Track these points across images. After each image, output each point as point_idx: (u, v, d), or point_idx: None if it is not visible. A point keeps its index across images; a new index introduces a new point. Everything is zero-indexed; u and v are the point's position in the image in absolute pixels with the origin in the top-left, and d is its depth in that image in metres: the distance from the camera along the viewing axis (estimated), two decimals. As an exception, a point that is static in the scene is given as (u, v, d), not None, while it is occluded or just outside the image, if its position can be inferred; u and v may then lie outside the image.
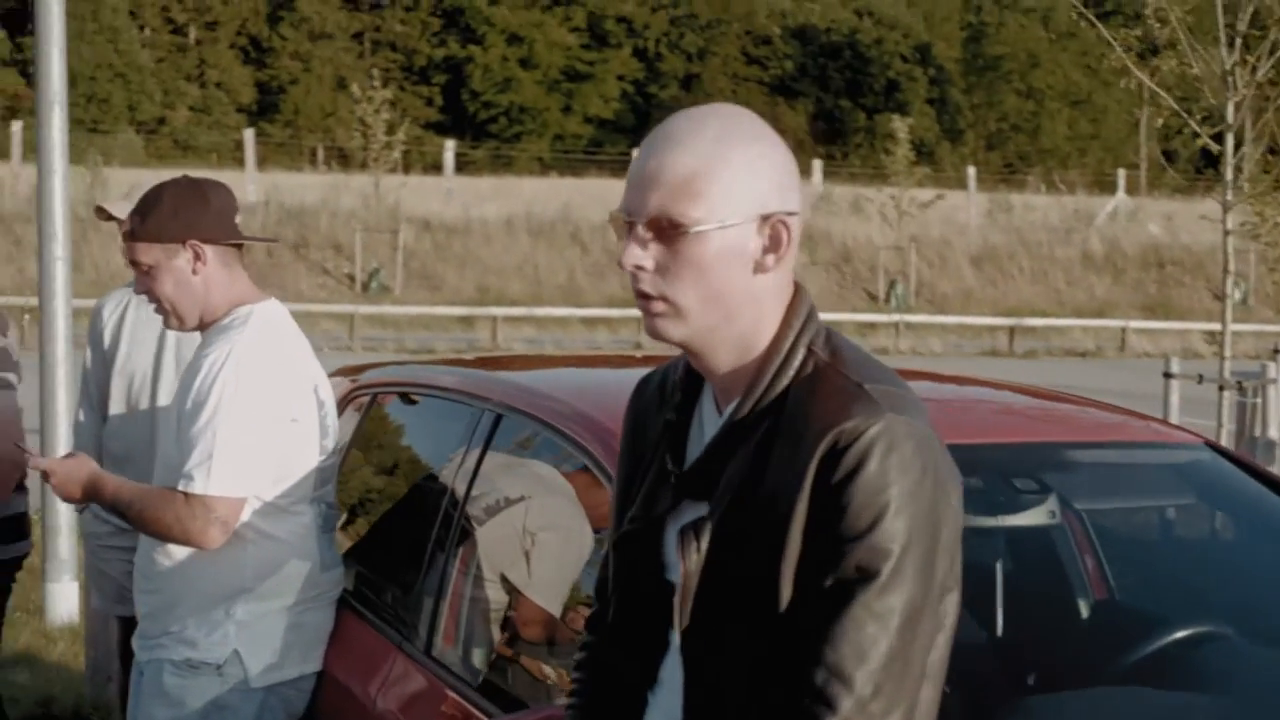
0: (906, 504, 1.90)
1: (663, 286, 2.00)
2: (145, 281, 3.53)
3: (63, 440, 7.79)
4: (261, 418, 3.38)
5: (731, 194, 2.00)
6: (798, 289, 2.07)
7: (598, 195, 36.02)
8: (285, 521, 3.47)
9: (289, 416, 3.44)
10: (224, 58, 78.56)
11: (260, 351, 3.43)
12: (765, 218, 2.02)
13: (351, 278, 29.87)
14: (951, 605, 1.99)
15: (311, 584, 3.51)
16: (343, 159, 44.26)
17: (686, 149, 2.00)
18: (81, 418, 4.68)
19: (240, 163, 35.04)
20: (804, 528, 1.92)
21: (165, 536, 3.37)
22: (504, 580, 3.39)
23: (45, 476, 3.48)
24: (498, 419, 3.46)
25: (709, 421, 2.09)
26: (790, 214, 2.03)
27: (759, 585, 1.94)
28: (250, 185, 33.29)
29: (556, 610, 3.29)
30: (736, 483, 1.99)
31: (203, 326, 3.55)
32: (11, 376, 4.49)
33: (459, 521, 3.43)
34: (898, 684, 1.90)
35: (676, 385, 2.14)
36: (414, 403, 4.07)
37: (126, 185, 4.23)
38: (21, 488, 4.59)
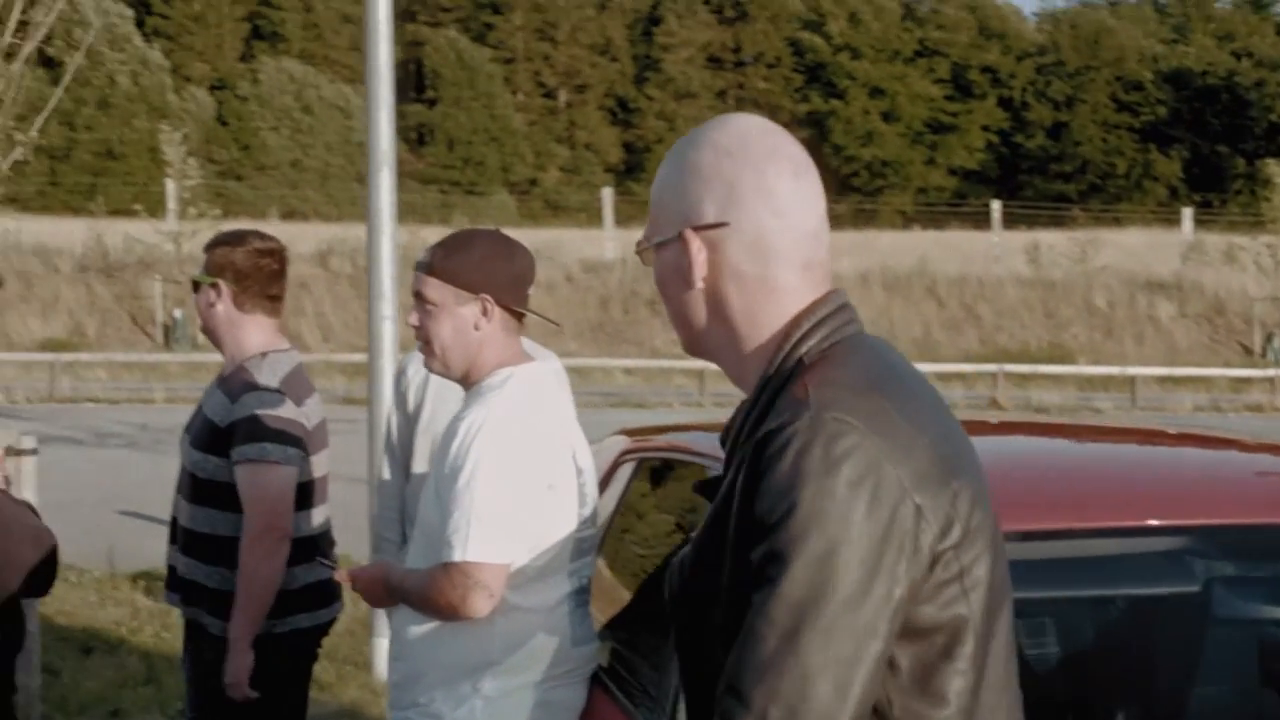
0: (816, 504, 1.77)
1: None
2: (423, 317, 3.44)
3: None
4: (518, 483, 3.26)
5: (662, 211, 2.01)
6: (826, 296, 1.99)
7: (956, 247, 35.42)
8: (537, 593, 3.33)
9: (546, 483, 3.32)
10: (592, 119, 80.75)
11: (517, 416, 3.33)
12: (695, 230, 1.98)
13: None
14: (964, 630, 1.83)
15: (562, 659, 3.37)
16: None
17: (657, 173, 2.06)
18: (386, 475, 4.65)
19: (603, 221, 35.76)
20: (735, 524, 1.85)
21: (440, 614, 3.27)
22: None
23: (352, 585, 3.45)
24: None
25: None
26: (715, 225, 1.97)
27: (708, 599, 1.89)
28: (608, 243, 33.93)
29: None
30: (714, 503, 1.93)
31: (466, 382, 3.46)
32: (287, 450, 4.31)
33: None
34: (800, 702, 1.75)
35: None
36: (671, 468, 3.92)
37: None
38: (295, 561, 4.46)
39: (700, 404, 23.93)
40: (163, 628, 8.59)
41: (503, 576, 3.24)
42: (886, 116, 76.19)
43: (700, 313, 2.01)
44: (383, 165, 7.71)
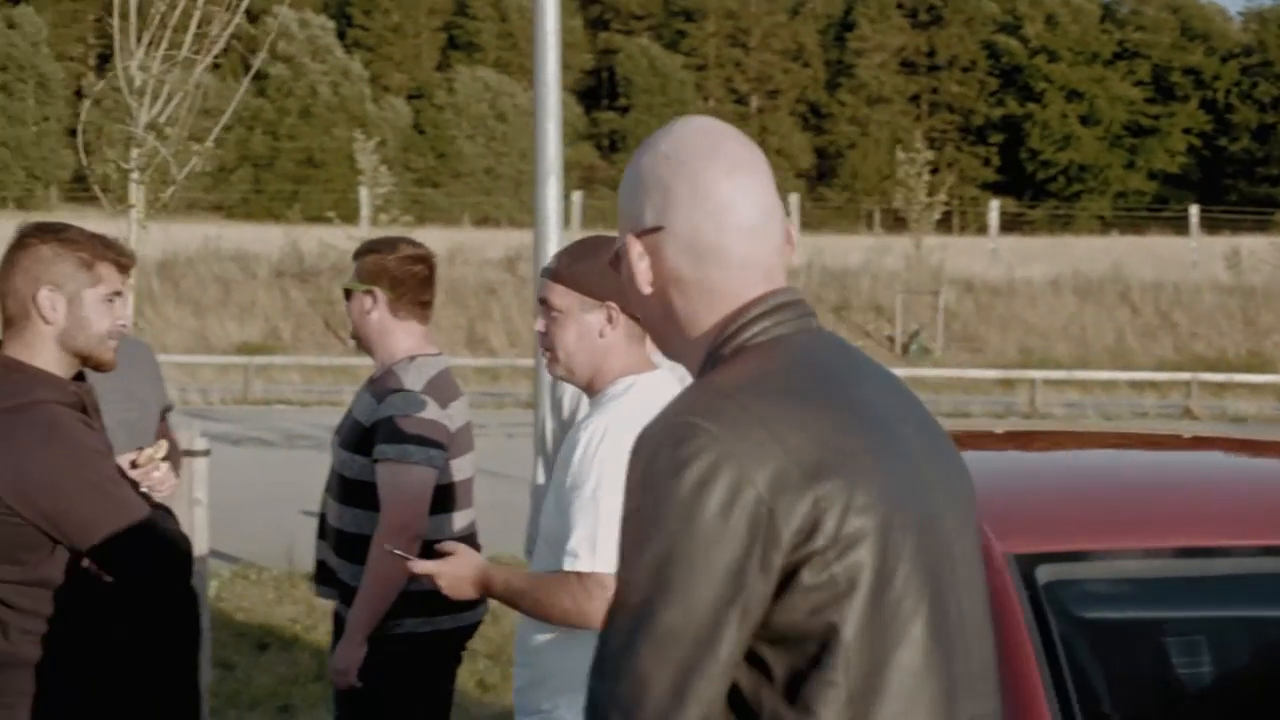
0: (658, 509, 1.78)
1: None
2: (548, 324, 3.45)
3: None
4: None
5: (619, 220, 2.03)
6: (761, 297, 1.97)
7: (1153, 253, 34.59)
8: None
9: None
10: (784, 124, 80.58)
11: (638, 424, 3.32)
12: (635, 236, 2.01)
13: (891, 339, 29.80)
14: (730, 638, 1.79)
15: None
16: (899, 222, 44.41)
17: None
18: (540, 480, 4.69)
19: (799, 227, 35.66)
20: None
21: (563, 621, 3.27)
22: None
23: (433, 580, 3.45)
24: None
25: None
26: (650, 231, 1.99)
27: None
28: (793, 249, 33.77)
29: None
30: None
31: (590, 390, 3.47)
32: (429, 452, 4.35)
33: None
34: (634, 706, 1.78)
35: None
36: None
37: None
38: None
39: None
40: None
41: None
42: (1085, 120, 74.72)
43: (651, 312, 2.04)
44: (550, 174, 7.78)
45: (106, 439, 3.40)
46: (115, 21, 6.47)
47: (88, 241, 3.39)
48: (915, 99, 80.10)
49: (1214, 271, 32.47)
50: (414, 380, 4.40)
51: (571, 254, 3.46)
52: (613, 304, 3.39)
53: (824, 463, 1.82)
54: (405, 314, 4.48)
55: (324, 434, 19.93)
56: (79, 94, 75.90)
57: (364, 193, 32.51)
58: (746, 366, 1.92)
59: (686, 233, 1.99)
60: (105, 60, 73.64)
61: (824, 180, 75.84)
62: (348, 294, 4.55)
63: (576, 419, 4.36)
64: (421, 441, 4.32)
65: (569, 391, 4.44)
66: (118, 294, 3.42)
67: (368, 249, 4.60)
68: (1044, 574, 2.70)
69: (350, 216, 33.07)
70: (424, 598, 4.33)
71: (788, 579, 1.80)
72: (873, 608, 1.82)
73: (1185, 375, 25.65)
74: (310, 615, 9.13)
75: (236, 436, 18.14)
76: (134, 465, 4.32)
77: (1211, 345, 29.90)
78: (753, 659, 1.84)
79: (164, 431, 5.17)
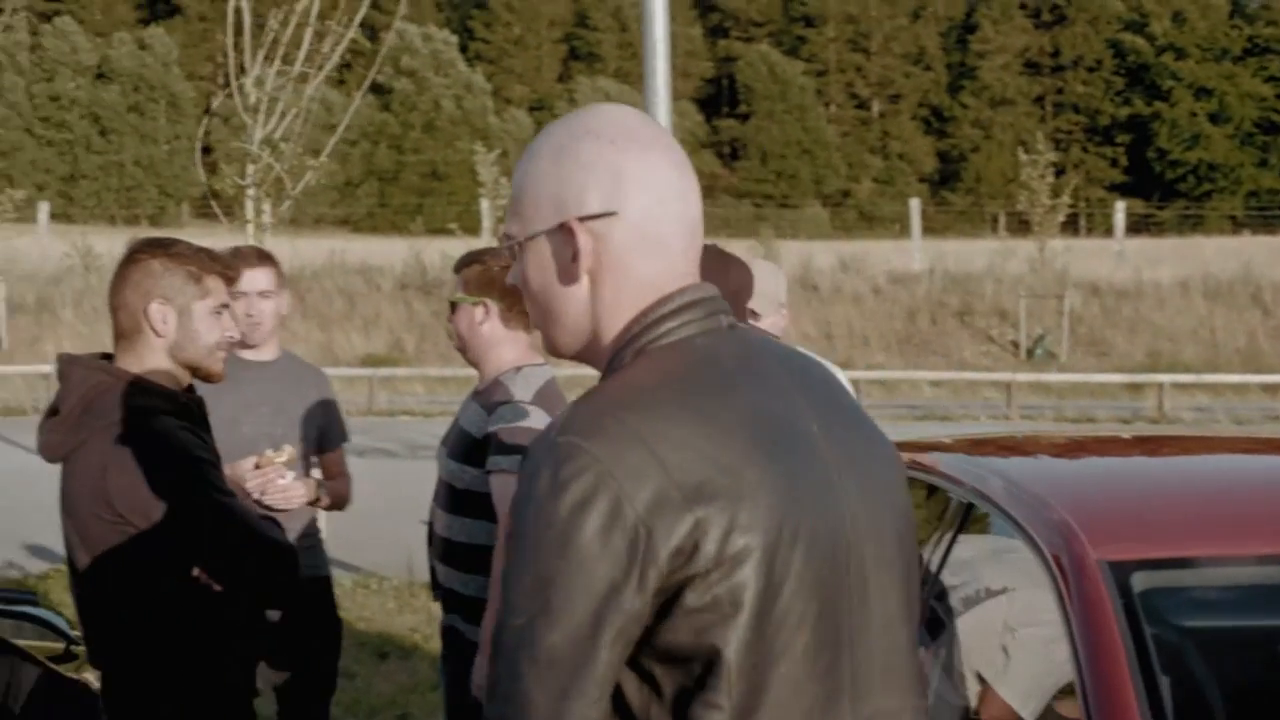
0: (537, 531, 1.77)
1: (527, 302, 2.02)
2: None
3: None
4: None
5: (536, 204, 1.95)
6: (679, 291, 1.95)
7: (1285, 253, 33.90)
8: None
9: None
10: (906, 129, 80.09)
11: None
12: (563, 224, 1.93)
13: (1016, 344, 29.46)
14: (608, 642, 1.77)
15: None
16: (1023, 225, 43.92)
17: (518, 167, 2.01)
18: None
19: (920, 231, 35.38)
20: None
21: None
22: (978, 676, 3.13)
23: None
24: (968, 508, 3.21)
25: None
26: (596, 216, 1.92)
27: None
28: (915, 254, 33.55)
29: (1028, 712, 3.00)
30: None
31: None
32: (512, 460, 4.40)
33: (929, 611, 3.21)
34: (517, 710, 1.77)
35: None
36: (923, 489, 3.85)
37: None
38: None
39: (1007, 416, 23.42)
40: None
41: None
42: (1214, 118, 73.41)
43: (573, 307, 1.97)
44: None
45: (215, 449, 3.47)
46: (230, 39, 6.60)
47: (195, 255, 3.46)
48: (1039, 100, 79.20)
49: (1347, 269, 31.73)
50: (523, 391, 4.41)
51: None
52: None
53: (706, 483, 1.80)
54: (514, 324, 4.48)
55: (446, 444, 20.12)
56: (208, 112, 77.36)
57: (485, 204, 32.80)
58: (638, 377, 1.89)
59: (638, 220, 1.94)
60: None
61: (947, 184, 75.21)
62: (453, 306, 4.56)
63: None
64: None
65: None
66: (225, 306, 3.49)
67: (471, 260, 4.57)
68: (1139, 581, 2.66)
69: (472, 228, 33.38)
70: None
71: (671, 600, 1.79)
72: (756, 627, 1.80)
73: (1320, 378, 25.12)
74: (429, 624, 9.22)
75: (361, 448, 18.34)
76: (256, 467, 4.42)
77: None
78: (644, 675, 1.83)
79: (334, 462, 5.26)
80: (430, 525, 4.69)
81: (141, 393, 3.35)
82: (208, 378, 3.52)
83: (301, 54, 6.79)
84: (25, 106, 66.69)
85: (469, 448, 4.41)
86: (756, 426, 1.87)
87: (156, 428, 3.30)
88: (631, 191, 1.94)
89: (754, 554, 1.80)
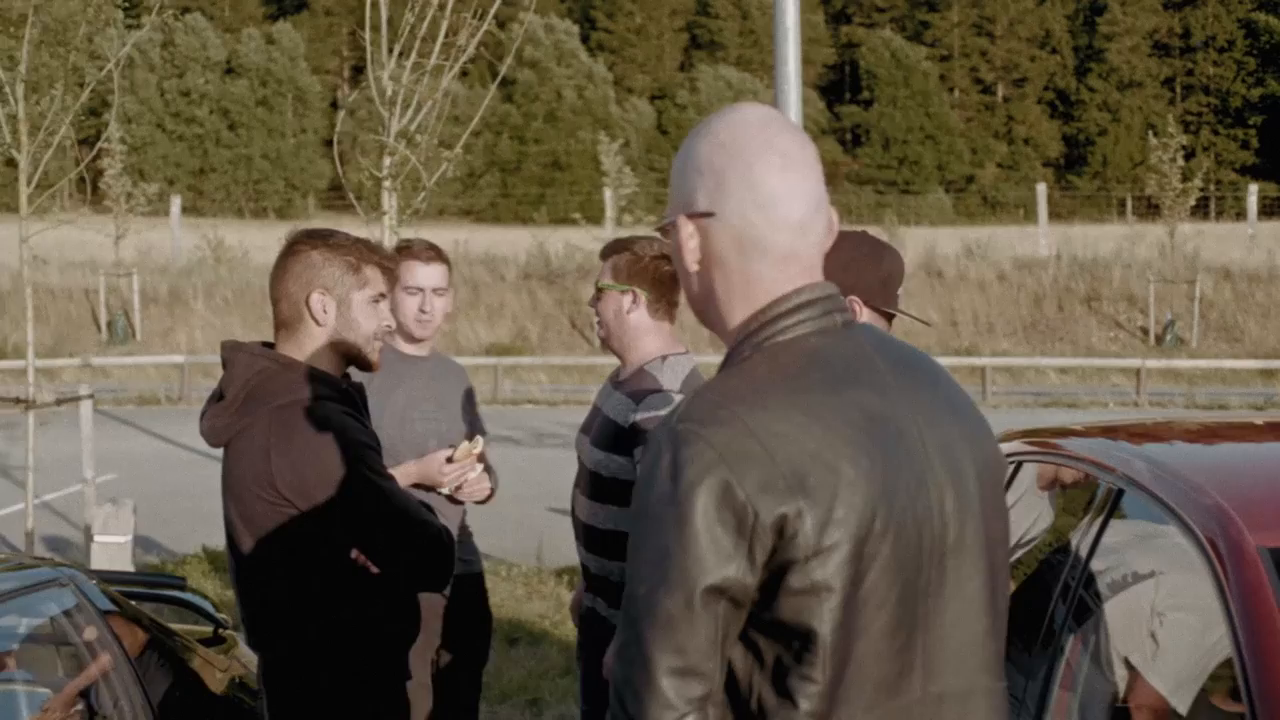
0: (657, 508, 1.94)
1: None
2: None
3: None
4: None
5: (671, 195, 2.12)
6: (796, 291, 2.10)
7: None
8: None
9: None
10: (1031, 113, 79.10)
11: None
12: (690, 217, 2.11)
13: (1145, 330, 29.02)
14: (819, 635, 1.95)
15: None
16: (1152, 209, 43.23)
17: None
18: None
19: (1046, 217, 34.96)
20: None
21: None
22: (1126, 662, 3.10)
23: None
24: (1118, 494, 3.19)
25: None
26: (700, 215, 2.08)
27: None
28: (1041, 239, 33.15)
29: (1179, 700, 2.97)
30: None
31: None
32: None
33: (1077, 597, 3.19)
34: (645, 689, 1.95)
35: None
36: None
37: None
38: None
39: (1136, 403, 23.11)
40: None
41: None
42: (1350, 98, 71.74)
43: (698, 292, 2.15)
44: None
45: (375, 434, 3.53)
46: (367, 34, 6.68)
47: (354, 246, 3.53)
48: (1169, 82, 77.83)
49: None
50: (670, 380, 4.39)
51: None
52: (855, 298, 3.39)
53: (807, 476, 1.96)
54: (661, 314, 4.46)
55: (570, 432, 20.23)
56: (334, 105, 78.33)
57: (608, 194, 32.89)
58: (753, 373, 2.04)
59: (736, 223, 2.08)
60: (359, 72, 75.64)
61: (1073, 168, 74.17)
62: (599, 292, 4.51)
63: None
64: None
65: None
66: (383, 296, 3.56)
67: (620, 247, 4.54)
68: (1299, 567, 2.64)
69: (595, 218, 33.50)
70: None
71: (775, 580, 1.96)
72: (846, 608, 1.97)
73: None
74: (558, 611, 9.29)
75: (488, 436, 18.52)
76: (450, 460, 4.48)
77: None
78: (749, 645, 2.00)
79: (483, 455, 5.31)
80: (573, 511, 4.75)
81: (304, 378, 3.42)
82: (365, 366, 3.59)
83: (436, 47, 6.86)
84: (156, 102, 68.01)
85: (615, 436, 4.39)
86: (858, 425, 2.02)
87: (319, 412, 3.37)
88: (730, 195, 2.08)
89: (845, 546, 1.96)
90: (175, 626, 4.84)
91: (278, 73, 70.69)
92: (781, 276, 2.10)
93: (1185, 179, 30.30)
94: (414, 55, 6.76)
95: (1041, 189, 34.67)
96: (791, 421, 1.98)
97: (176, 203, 36.82)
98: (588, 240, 30.79)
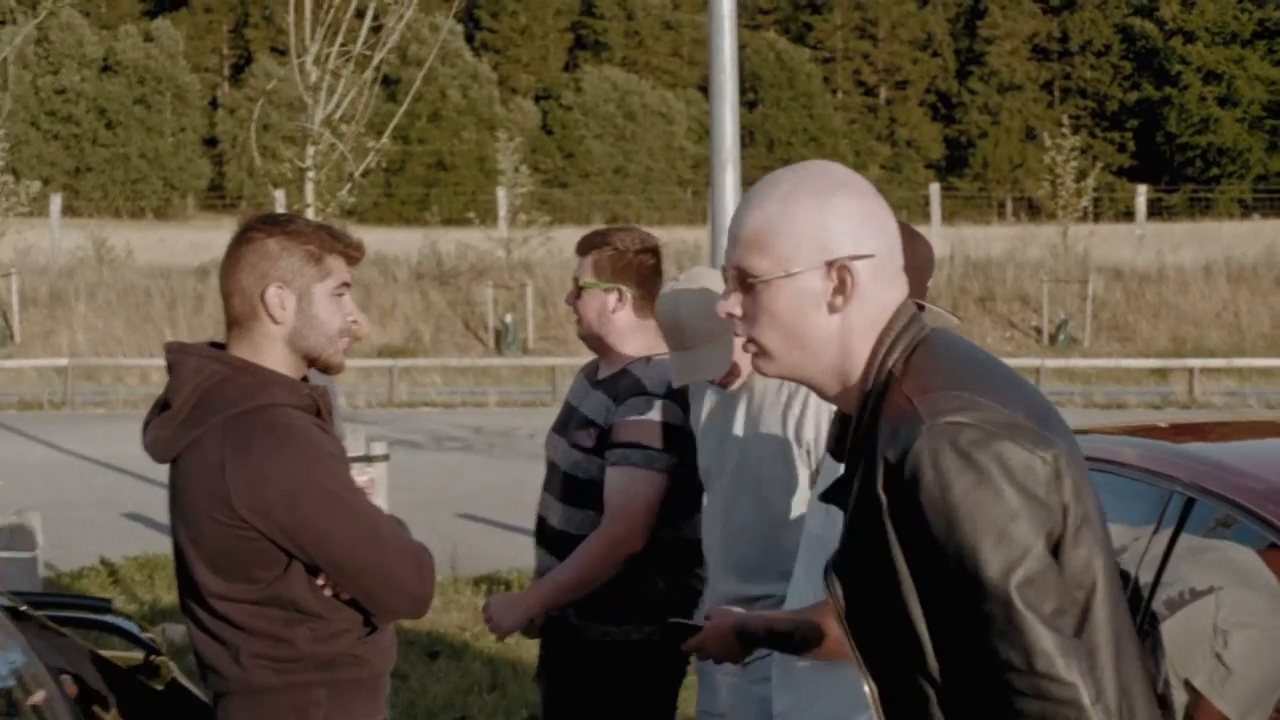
0: (971, 497, 2.01)
1: (750, 330, 2.25)
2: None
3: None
4: None
5: (795, 244, 2.21)
6: (899, 310, 2.23)
7: (1306, 237, 33.63)
8: None
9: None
10: (913, 115, 79.76)
11: None
12: (830, 263, 2.20)
13: (1038, 330, 29.22)
14: (1097, 570, 2.10)
15: None
16: (1032, 210, 43.65)
17: (758, 207, 2.25)
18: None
19: (927, 218, 35.18)
20: (901, 551, 2.08)
21: (840, 655, 2.94)
22: (1187, 685, 2.85)
23: (695, 651, 3.21)
24: (1189, 503, 2.94)
25: None
26: (859, 257, 2.20)
27: (891, 611, 2.11)
28: (936, 239, 33.29)
29: (1247, 724, 2.73)
30: (851, 514, 2.19)
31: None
32: (668, 457, 4.14)
33: (1134, 617, 2.94)
34: (1042, 643, 2.00)
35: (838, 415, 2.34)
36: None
37: None
38: (668, 569, 4.31)
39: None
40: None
41: None
42: (1223, 102, 73.01)
43: (822, 335, 2.22)
44: (727, 164, 7.55)
45: (341, 444, 3.17)
46: (291, 16, 6.30)
47: (315, 233, 3.15)
48: (1048, 86, 78.83)
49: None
50: (655, 384, 4.17)
51: None
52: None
53: (1043, 422, 2.14)
54: (646, 313, 4.22)
55: (470, 435, 19.97)
56: (214, 104, 77.16)
57: (501, 193, 32.53)
58: (938, 365, 2.17)
59: (884, 258, 2.24)
60: (239, 70, 74.72)
61: (954, 170, 74.85)
62: (579, 289, 4.27)
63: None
64: (665, 448, 4.10)
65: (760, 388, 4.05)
66: (347, 286, 3.19)
67: (600, 241, 4.27)
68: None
69: (485, 217, 33.15)
70: (657, 601, 4.15)
71: (1062, 522, 2.10)
72: (1106, 553, 2.17)
73: (1347, 361, 24.86)
74: (478, 622, 8.96)
75: (385, 439, 18.13)
76: None
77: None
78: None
79: None
80: (540, 517, 4.44)
81: (261, 383, 3.05)
82: (327, 368, 3.22)
83: (363, 32, 6.52)
84: (31, 100, 66.40)
85: (595, 437, 4.18)
86: (1024, 382, 2.25)
87: (279, 421, 3.01)
88: (877, 235, 2.24)
89: (1088, 488, 2.16)
90: (105, 653, 4.45)
91: (156, 70, 69.32)
92: (898, 296, 2.26)
93: (1079, 180, 30.57)
94: (339, 40, 6.41)
95: (935, 189, 34.84)
96: (997, 382, 2.16)
97: (57, 202, 35.89)
98: (481, 240, 30.47)
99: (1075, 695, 2.00)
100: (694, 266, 4.27)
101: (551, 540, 4.33)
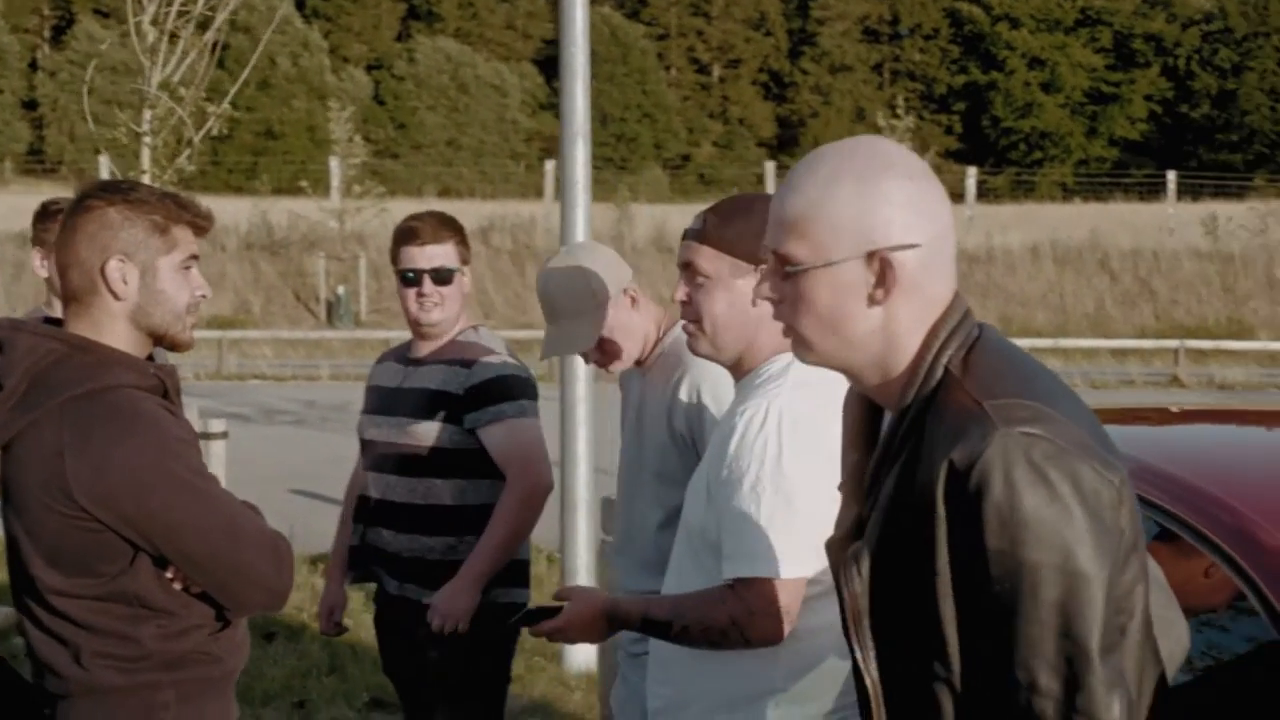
0: (1040, 514, 1.91)
1: (788, 318, 2.16)
2: (693, 291, 3.03)
3: (582, 481, 7.62)
4: (811, 486, 2.81)
5: (835, 233, 2.09)
6: (952, 303, 2.11)
7: (1125, 220, 34.44)
8: (825, 611, 2.83)
9: (837, 485, 2.88)
10: (746, 94, 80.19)
11: (806, 408, 2.88)
12: (872, 254, 2.08)
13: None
14: (1139, 595, 2.01)
15: (852, 687, 2.93)
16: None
17: (798, 190, 2.12)
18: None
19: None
20: (948, 553, 1.97)
21: (723, 644, 2.86)
22: None
23: (553, 636, 3.07)
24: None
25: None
26: (904, 246, 2.06)
27: (919, 610, 2.01)
28: (771, 217, 33.53)
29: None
30: (886, 507, 2.06)
31: (739, 368, 3.06)
32: (537, 406, 4.40)
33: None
34: (1087, 676, 1.91)
35: (863, 397, 2.24)
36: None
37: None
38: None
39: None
40: (344, 614, 8.39)
41: (799, 596, 2.82)
42: (1046, 87, 74.57)
43: (864, 328, 2.11)
44: (578, 138, 7.38)
45: (191, 428, 2.98)
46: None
47: (160, 202, 2.94)
48: (878, 67, 79.81)
49: (1190, 238, 32.35)
50: (494, 343, 4.42)
51: (722, 213, 3.03)
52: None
53: (1102, 438, 2.06)
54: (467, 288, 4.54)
55: (303, 409, 19.59)
56: (33, 66, 74.80)
57: (334, 164, 31.99)
58: (1002, 370, 2.05)
59: (933, 248, 2.10)
60: (60, 32, 72.55)
61: (786, 149, 75.44)
62: (443, 277, 4.41)
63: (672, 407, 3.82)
64: (532, 396, 4.35)
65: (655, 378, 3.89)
66: (195, 259, 2.99)
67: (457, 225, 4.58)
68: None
69: (316, 188, 32.61)
70: (517, 565, 4.38)
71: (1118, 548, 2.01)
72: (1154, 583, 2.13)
73: (1172, 343, 25.48)
74: (315, 601, 8.73)
75: (214, 413, 17.71)
76: None
77: (1191, 313, 29.79)
78: None
79: None
80: (365, 498, 4.50)
81: (102, 363, 2.84)
82: (174, 346, 3.02)
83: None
84: None
85: (445, 405, 4.29)
86: (1093, 421, 2.09)
87: (122, 403, 2.80)
88: (927, 223, 2.09)
89: (1137, 513, 2.06)
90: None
91: (-29, 30, 67.10)
92: (948, 290, 2.14)
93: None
94: (178, 1, 6.13)
95: (770, 167, 35.04)
96: (1054, 390, 2.06)
97: None
98: (313, 210, 29.95)
99: None
100: (577, 241, 4.43)
101: (396, 517, 4.38)
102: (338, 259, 29.70)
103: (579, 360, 7.40)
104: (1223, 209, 34.46)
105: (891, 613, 2.07)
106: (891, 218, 2.08)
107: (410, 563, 4.35)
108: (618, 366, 3.77)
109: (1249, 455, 3.16)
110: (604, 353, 3.75)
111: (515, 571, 4.36)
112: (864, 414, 2.25)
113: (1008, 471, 1.92)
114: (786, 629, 2.82)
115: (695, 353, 3.10)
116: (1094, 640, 1.91)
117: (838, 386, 3.03)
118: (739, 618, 2.80)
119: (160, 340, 2.97)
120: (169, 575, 2.84)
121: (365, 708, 6.99)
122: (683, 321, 3.13)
